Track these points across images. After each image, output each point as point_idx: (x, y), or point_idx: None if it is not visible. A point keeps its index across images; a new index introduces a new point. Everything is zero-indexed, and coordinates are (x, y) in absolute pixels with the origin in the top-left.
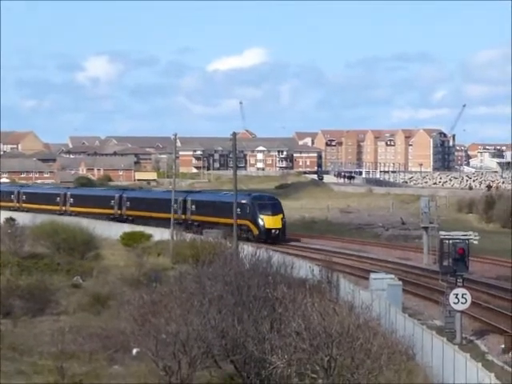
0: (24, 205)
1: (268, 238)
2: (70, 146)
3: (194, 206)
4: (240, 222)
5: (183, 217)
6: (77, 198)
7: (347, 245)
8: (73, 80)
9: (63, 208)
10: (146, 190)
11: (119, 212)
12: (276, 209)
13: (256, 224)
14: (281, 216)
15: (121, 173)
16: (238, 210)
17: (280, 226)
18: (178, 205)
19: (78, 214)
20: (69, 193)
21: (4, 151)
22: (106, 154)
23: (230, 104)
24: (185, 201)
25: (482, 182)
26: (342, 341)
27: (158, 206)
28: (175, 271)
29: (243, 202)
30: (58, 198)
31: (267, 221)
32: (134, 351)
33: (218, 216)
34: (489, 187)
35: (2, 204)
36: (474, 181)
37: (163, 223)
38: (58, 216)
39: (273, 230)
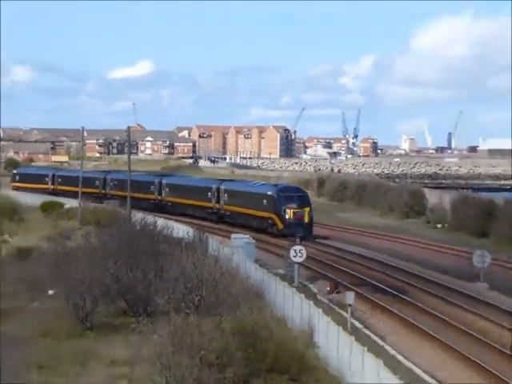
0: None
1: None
2: (2, 135)
3: (226, 195)
4: (265, 214)
5: (217, 206)
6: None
7: None
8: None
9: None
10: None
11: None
12: (303, 201)
13: (281, 217)
14: (308, 209)
15: (40, 156)
16: (264, 201)
17: (307, 220)
18: (211, 193)
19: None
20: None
21: None
22: (29, 141)
23: (125, 104)
24: (218, 189)
25: (316, 166)
26: (209, 284)
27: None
28: (82, 231)
29: (269, 193)
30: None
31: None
32: (50, 292)
33: (249, 207)
34: (332, 169)
35: None
36: (309, 166)
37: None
38: None
39: None
